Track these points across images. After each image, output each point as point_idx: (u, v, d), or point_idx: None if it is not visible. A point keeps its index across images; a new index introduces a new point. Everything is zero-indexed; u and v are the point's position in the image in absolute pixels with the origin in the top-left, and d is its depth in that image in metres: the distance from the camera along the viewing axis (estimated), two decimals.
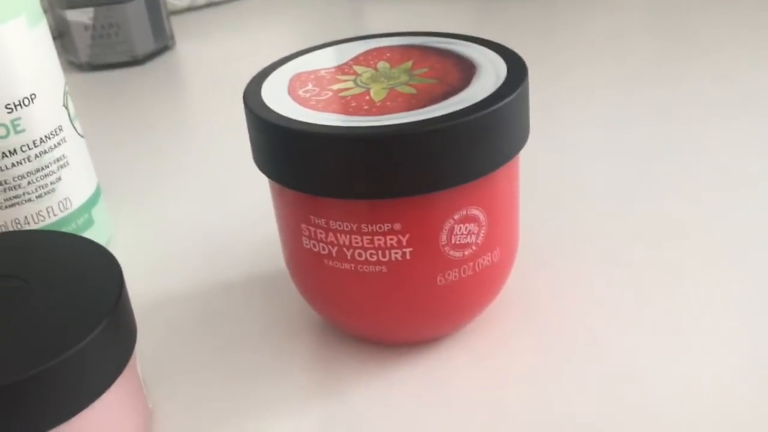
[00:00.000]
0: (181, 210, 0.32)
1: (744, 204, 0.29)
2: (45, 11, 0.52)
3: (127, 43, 0.48)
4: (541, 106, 0.38)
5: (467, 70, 0.22)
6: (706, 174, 0.31)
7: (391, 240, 0.20)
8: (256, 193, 0.33)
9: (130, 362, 0.20)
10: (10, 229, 0.26)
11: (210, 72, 0.48)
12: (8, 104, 0.25)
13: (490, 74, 0.21)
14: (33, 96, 0.26)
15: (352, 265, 0.21)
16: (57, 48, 0.52)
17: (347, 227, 0.20)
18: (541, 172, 0.32)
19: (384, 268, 0.21)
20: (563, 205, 0.30)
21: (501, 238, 0.22)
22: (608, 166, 0.32)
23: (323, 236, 0.21)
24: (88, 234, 0.28)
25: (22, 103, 0.25)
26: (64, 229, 0.27)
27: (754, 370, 0.21)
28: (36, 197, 0.26)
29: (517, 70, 0.21)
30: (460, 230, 0.21)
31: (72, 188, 0.27)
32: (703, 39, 0.44)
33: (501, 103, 0.19)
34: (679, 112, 0.36)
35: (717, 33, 0.45)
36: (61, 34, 0.50)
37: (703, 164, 0.32)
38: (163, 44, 0.51)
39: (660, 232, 0.28)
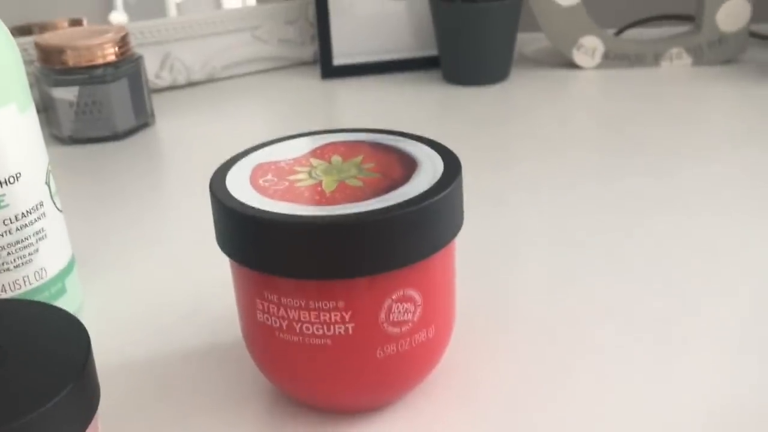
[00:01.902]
0: (148, 280, 0.34)
1: (672, 290, 0.32)
2: (31, 86, 0.55)
3: (109, 120, 0.51)
4: (487, 191, 0.41)
5: (409, 166, 0.24)
6: (639, 262, 0.34)
7: (335, 316, 0.23)
8: (218, 269, 0.35)
9: (92, 423, 0.21)
10: None
11: (187, 148, 0.51)
12: None
13: (428, 171, 0.24)
14: (18, 175, 0.28)
15: (300, 338, 0.23)
16: (41, 121, 0.55)
17: (297, 303, 0.23)
18: (483, 254, 0.35)
19: (329, 341, 0.23)
20: (502, 285, 0.32)
21: (436, 316, 0.24)
22: (546, 251, 0.35)
23: (275, 311, 0.23)
24: (60, 302, 0.30)
25: (7, 181, 0.28)
26: (38, 297, 0.29)
27: None
28: (14, 267, 0.28)
29: (452, 167, 0.24)
30: (397, 309, 0.23)
31: (48, 259, 0.30)
32: (644, 136, 0.48)
33: (435, 198, 0.22)
34: (616, 204, 0.39)
35: (659, 130, 0.49)
36: (45, 109, 0.52)
37: (637, 252, 0.35)
38: (143, 121, 0.54)
39: (593, 312, 0.30)
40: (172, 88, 0.63)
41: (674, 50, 0.61)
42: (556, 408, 0.25)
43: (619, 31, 0.67)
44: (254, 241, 0.22)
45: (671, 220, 0.37)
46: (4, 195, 0.28)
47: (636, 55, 0.62)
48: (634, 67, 0.62)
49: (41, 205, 0.29)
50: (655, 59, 0.62)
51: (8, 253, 0.28)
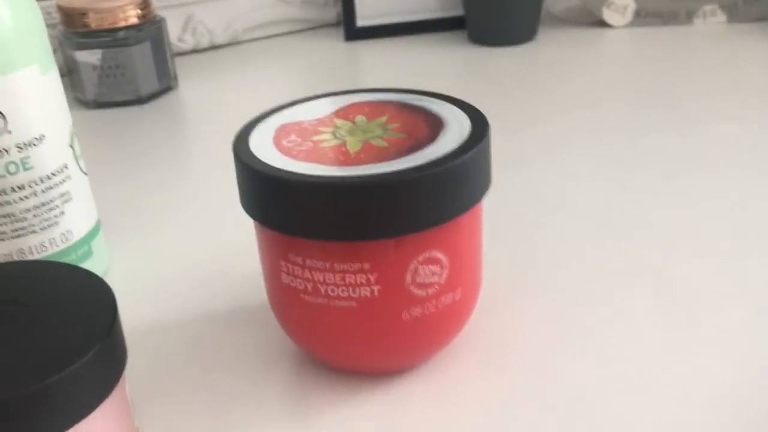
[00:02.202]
0: (173, 243, 0.35)
1: (700, 252, 0.31)
2: (55, 50, 0.55)
3: (133, 83, 0.51)
4: (514, 153, 0.41)
5: (435, 126, 0.24)
6: (666, 223, 0.33)
7: (361, 278, 0.22)
8: (243, 231, 0.35)
9: (119, 384, 0.22)
10: (15, 258, 0.28)
11: (210, 112, 0.50)
12: (19, 144, 0.27)
13: (455, 131, 0.23)
14: (42, 136, 0.28)
15: (325, 300, 0.23)
16: (65, 85, 0.55)
17: (321, 265, 0.22)
18: (508, 217, 0.34)
19: (354, 304, 0.23)
20: (528, 248, 0.32)
21: (463, 279, 0.24)
22: (573, 213, 0.34)
23: (300, 273, 0.23)
24: (86, 264, 0.31)
25: (31, 143, 0.28)
26: (64, 260, 0.30)
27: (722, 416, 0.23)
28: (40, 229, 0.29)
29: (479, 127, 0.23)
30: (423, 271, 0.23)
31: (74, 222, 0.30)
32: (673, 95, 0.47)
33: (462, 158, 0.22)
34: (644, 165, 0.39)
35: (692, 90, 0.48)
36: (69, 72, 0.52)
37: (664, 214, 0.34)
38: (166, 85, 0.54)
39: (618, 276, 0.30)
40: (195, 51, 0.63)
41: (708, 7, 0.59)
42: (581, 372, 0.25)
43: None
44: (278, 202, 0.22)
45: (702, 181, 0.36)
46: (28, 157, 0.28)
47: (668, 12, 0.60)
48: (667, 25, 0.60)
49: (66, 167, 0.29)
50: (688, 17, 0.60)
51: (34, 215, 0.28)
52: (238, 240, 0.34)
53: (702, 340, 0.26)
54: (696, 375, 0.24)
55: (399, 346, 0.24)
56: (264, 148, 0.23)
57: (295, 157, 0.23)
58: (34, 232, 0.28)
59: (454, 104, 0.25)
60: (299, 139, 0.24)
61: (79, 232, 0.30)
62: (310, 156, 0.23)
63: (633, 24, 0.61)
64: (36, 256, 0.29)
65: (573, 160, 0.40)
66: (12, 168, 0.27)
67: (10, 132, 0.27)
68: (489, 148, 0.23)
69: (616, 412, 0.23)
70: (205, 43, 0.63)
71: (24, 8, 0.27)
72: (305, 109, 0.26)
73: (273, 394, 0.25)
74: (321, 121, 0.25)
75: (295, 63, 0.59)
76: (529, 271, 0.30)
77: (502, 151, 0.41)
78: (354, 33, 0.63)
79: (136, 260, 0.33)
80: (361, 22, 0.63)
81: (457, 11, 0.63)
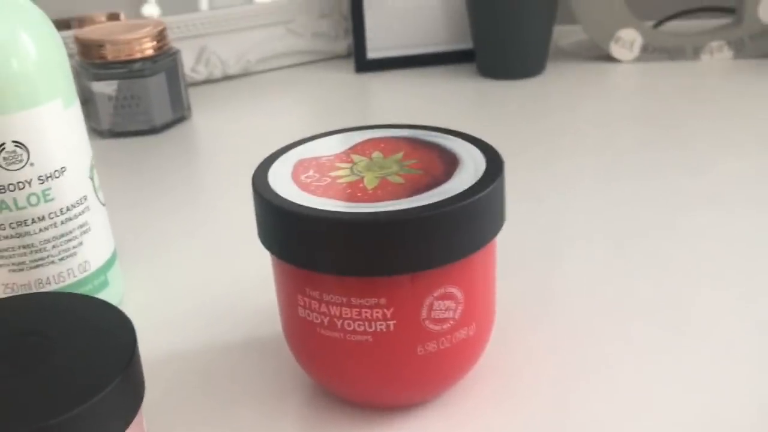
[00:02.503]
0: (188, 273, 0.35)
1: (713, 287, 0.31)
2: None
3: (147, 114, 0.52)
4: (525, 187, 0.41)
5: (450, 163, 0.24)
6: (678, 257, 0.33)
7: (377, 313, 0.23)
8: (258, 261, 0.35)
9: (137, 416, 0.22)
10: (33, 288, 0.29)
11: (223, 142, 0.51)
12: (41, 176, 0.28)
13: (470, 168, 0.24)
14: (63, 169, 0.28)
15: (341, 334, 0.23)
16: None
17: (338, 300, 0.23)
18: (522, 252, 0.35)
19: (370, 338, 0.23)
20: (541, 282, 0.32)
21: (477, 313, 0.24)
22: (585, 248, 0.35)
23: (317, 307, 0.23)
24: (102, 294, 0.31)
25: (53, 176, 0.28)
26: (81, 290, 0.30)
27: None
28: (59, 260, 0.29)
29: (494, 165, 0.24)
30: (439, 306, 0.23)
31: (91, 252, 0.30)
32: (682, 130, 0.48)
33: (477, 196, 0.22)
34: (655, 199, 0.39)
35: (699, 125, 0.48)
36: (85, 102, 0.53)
37: (676, 250, 0.34)
38: (180, 114, 0.54)
39: (631, 310, 0.30)
40: (208, 81, 0.64)
41: (715, 43, 0.60)
42: (595, 407, 0.25)
43: (658, 24, 0.66)
44: (297, 237, 0.22)
45: (712, 216, 0.37)
46: (49, 189, 0.28)
47: (675, 48, 0.61)
48: (674, 60, 0.61)
49: (85, 198, 0.30)
50: (695, 52, 0.61)
51: (53, 246, 0.29)
52: (252, 271, 0.35)
53: (716, 373, 0.26)
54: (711, 408, 0.24)
55: (413, 381, 0.24)
56: (282, 183, 0.24)
57: (313, 192, 0.23)
58: (52, 262, 0.29)
59: (468, 141, 0.26)
60: (317, 175, 0.24)
61: (96, 262, 0.30)
62: (328, 191, 0.23)
63: (640, 59, 0.61)
64: (54, 287, 0.29)
65: (584, 195, 0.40)
66: (33, 200, 0.28)
67: (32, 164, 0.27)
68: (503, 186, 0.24)
69: None
70: (218, 73, 0.64)
71: (48, 43, 0.28)
72: (322, 145, 0.27)
73: (287, 427, 0.25)
74: (338, 157, 0.25)
75: (306, 94, 0.60)
76: (541, 305, 0.31)
77: (514, 184, 0.42)
78: (364, 65, 0.64)
79: (150, 290, 0.34)
80: (371, 54, 0.64)
81: (467, 44, 0.64)
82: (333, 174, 0.24)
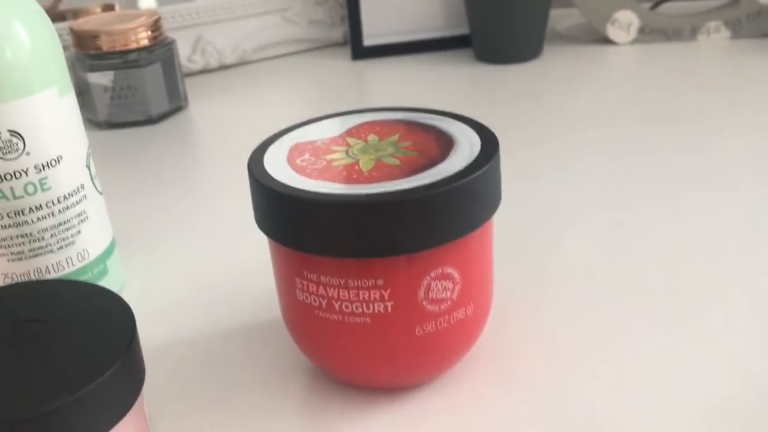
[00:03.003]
0: (187, 261, 0.35)
1: (712, 266, 0.31)
2: None
3: (143, 104, 0.52)
4: (522, 169, 0.41)
5: (446, 144, 0.24)
6: (677, 239, 0.33)
7: (375, 294, 0.23)
8: (256, 248, 0.35)
9: (138, 400, 0.22)
10: (33, 277, 0.29)
11: (219, 131, 0.51)
12: (37, 165, 0.28)
13: (465, 149, 0.24)
14: (60, 158, 0.28)
15: (340, 316, 0.23)
16: None
17: (336, 282, 0.23)
18: (519, 232, 0.35)
19: (368, 320, 0.23)
20: (538, 263, 0.32)
21: (474, 294, 0.24)
22: (584, 229, 0.35)
23: (314, 289, 0.23)
24: (102, 282, 0.31)
25: (49, 164, 0.28)
26: (81, 278, 0.30)
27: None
28: (57, 249, 0.29)
29: (489, 145, 0.24)
30: (436, 286, 0.23)
31: (90, 241, 0.30)
32: (679, 110, 0.48)
33: (473, 176, 0.22)
34: (652, 180, 0.39)
35: (696, 106, 0.48)
36: (81, 93, 0.53)
37: (675, 230, 0.34)
38: (176, 105, 0.54)
39: (630, 290, 0.30)
40: (204, 71, 0.64)
41: (712, 24, 0.60)
42: (593, 388, 0.25)
43: (655, 5, 0.66)
44: (293, 220, 0.22)
45: (709, 196, 0.37)
46: (46, 178, 0.28)
47: (672, 29, 0.61)
48: (671, 41, 0.61)
49: (82, 187, 0.30)
50: (692, 33, 0.60)
51: (51, 235, 0.29)
52: (250, 257, 0.35)
53: (716, 354, 0.26)
54: (711, 390, 0.25)
55: (412, 362, 0.24)
56: (278, 166, 0.24)
57: (309, 175, 0.23)
58: (51, 251, 0.29)
59: (464, 122, 0.26)
60: (313, 158, 0.24)
61: (95, 251, 0.30)
62: (324, 174, 0.23)
63: (637, 41, 0.61)
64: (53, 275, 0.29)
65: (581, 176, 0.40)
66: (30, 189, 0.28)
67: (28, 153, 0.28)
68: (499, 166, 0.24)
69: (629, 427, 0.23)
70: (214, 63, 0.64)
71: (42, 32, 0.28)
72: (317, 129, 0.27)
73: (287, 410, 0.25)
74: (333, 140, 0.25)
75: (302, 82, 0.60)
76: (539, 286, 0.31)
77: (510, 166, 0.42)
78: (361, 52, 0.64)
79: (149, 278, 0.34)
80: (367, 41, 0.64)
81: (463, 29, 0.63)
82: (329, 157, 0.24)
